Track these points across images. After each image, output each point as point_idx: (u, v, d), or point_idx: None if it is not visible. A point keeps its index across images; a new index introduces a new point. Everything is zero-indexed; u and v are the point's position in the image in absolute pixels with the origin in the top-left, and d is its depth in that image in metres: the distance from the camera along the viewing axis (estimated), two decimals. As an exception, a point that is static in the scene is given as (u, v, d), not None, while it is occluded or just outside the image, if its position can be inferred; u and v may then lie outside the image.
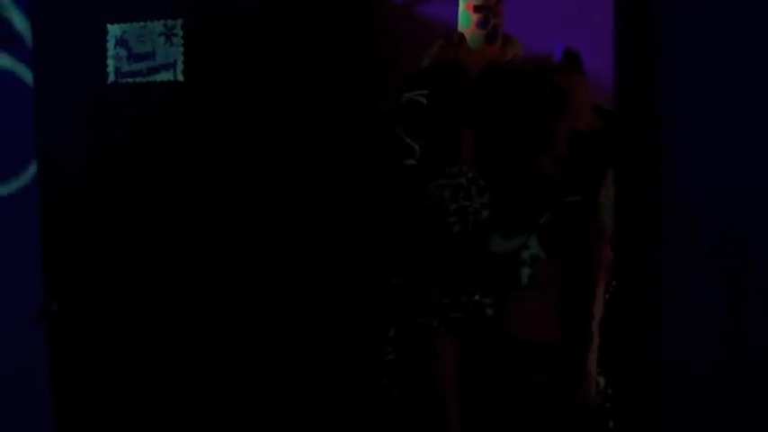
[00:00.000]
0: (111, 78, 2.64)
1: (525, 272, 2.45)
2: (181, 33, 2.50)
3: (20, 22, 3.25)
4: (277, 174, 2.62)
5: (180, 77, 2.50)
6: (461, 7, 2.64)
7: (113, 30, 2.60)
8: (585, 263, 2.49)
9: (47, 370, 3.08)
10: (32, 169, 3.19)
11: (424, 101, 2.56)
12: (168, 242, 2.82)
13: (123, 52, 2.59)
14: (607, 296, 2.54)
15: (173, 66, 2.50)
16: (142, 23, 2.58)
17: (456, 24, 2.70)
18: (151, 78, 2.56)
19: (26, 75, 3.25)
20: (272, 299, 2.69)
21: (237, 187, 2.63)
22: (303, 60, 2.56)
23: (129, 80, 2.60)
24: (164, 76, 2.51)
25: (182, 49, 2.50)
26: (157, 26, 2.52)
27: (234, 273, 2.73)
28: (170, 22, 2.55)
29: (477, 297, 2.45)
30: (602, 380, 2.57)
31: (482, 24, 2.60)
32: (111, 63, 2.62)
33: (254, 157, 2.61)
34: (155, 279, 2.87)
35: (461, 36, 2.63)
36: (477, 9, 2.59)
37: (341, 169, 2.68)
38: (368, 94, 2.95)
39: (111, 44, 2.62)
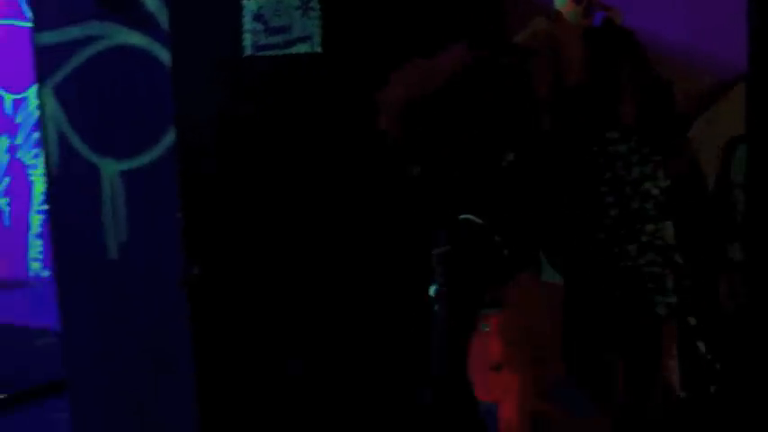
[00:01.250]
0: (248, 52, 2.76)
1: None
2: (318, 6, 2.59)
3: (152, 2, 3.42)
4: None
5: (318, 49, 2.60)
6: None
7: (249, 5, 2.71)
8: None
9: (188, 333, 3.23)
10: (168, 140, 3.36)
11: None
12: (299, 212, 2.93)
13: (260, 26, 2.70)
14: None
15: (309, 38, 2.60)
16: (278, -2, 2.69)
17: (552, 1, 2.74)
18: (288, 51, 2.66)
19: (159, 52, 3.41)
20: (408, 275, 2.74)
21: (373, 161, 2.70)
22: (438, 35, 2.60)
23: (267, 53, 2.71)
24: (301, 48, 2.61)
25: (319, 22, 2.60)
26: (294, 0, 2.62)
27: (360, 251, 2.82)
28: (307, -5, 2.64)
29: None
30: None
31: (578, 0, 2.62)
32: (247, 37, 2.73)
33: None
34: (286, 248, 2.99)
35: (558, 13, 2.66)
36: None
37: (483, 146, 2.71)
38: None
39: (247, 19, 2.73)
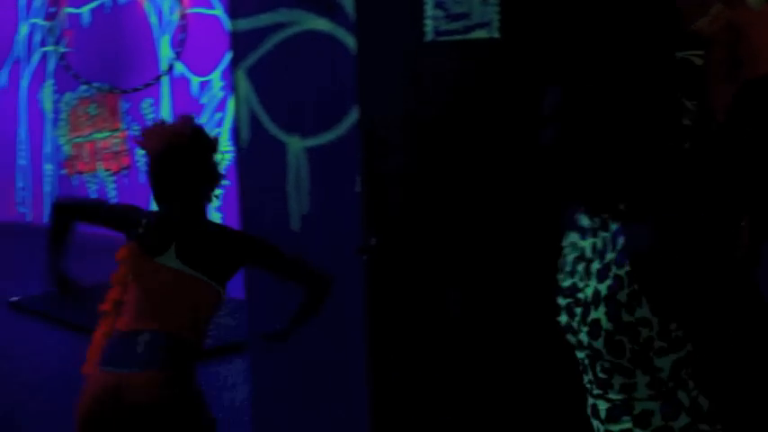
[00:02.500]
0: (429, 37, 2.93)
1: None
2: (498, -7, 2.74)
3: (338, -8, 3.65)
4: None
5: (496, 35, 2.74)
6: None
7: (432, -6, 2.89)
8: None
9: (362, 301, 3.43)
10: (351, 119, 3.57)
11: (700, 61, 2.59)
12: (474, 191, 3.04)
13: (441, 13, 2.87)
14: None
15: (488, 24, 2.74)
16: (460, -13, 2.84)
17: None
18: (467, 36, 2.81)
19: (344, 37, 3.63)
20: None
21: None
22: (617, 20, 2.65)
23: (446, 38, 2.88)
24: (479, 34, 2.76)
25: (497, 8, 2.74)
26: (474, -12, 2.78)
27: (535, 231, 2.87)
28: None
29: None
30: None
31: None
32: (428, 23, 2.91)
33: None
34: (459, 224, 3.11)
35: None
36: None
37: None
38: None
39: (428, 6, 2.90)
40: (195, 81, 12.03)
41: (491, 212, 2.97)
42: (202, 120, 11.90)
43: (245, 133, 4.10)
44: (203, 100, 11.91)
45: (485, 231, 3.00)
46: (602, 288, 1.74)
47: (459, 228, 3.06)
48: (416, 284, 3.22)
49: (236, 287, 4.55)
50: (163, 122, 3.17)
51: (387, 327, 3.32)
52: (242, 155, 4.15)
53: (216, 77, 11.57)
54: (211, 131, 10.32)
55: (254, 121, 4.03)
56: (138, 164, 13.45)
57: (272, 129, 3.92)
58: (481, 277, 3.05)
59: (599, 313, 1.74)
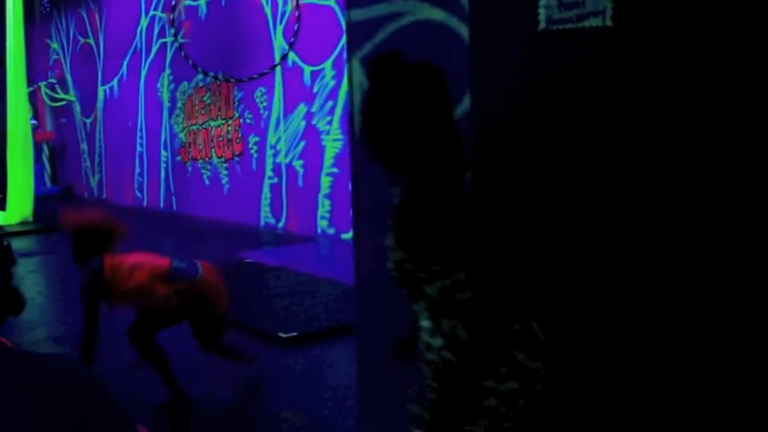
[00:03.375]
0: (542, 26, 2.98)
1: None
2: (612, -18, 2.76)
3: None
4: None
5: (609, 23, 2.76)
6: None
7: (544, -17, 2.94)
8: None
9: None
10: (463, 107, 3.62)
11: None
12: (586, 184, 3.06)
13: (554, 1, 2.91)
14: None
15: (602, 12, 2.77)
16: (572, -24, 2.88)
17: None
18: (580, 25, 2.85)
19: (457, 26, 3.69)
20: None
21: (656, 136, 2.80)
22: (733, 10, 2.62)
23: (559, 27, 2.92)
24: (593, 22, 2.79)
25: (611, -4, 2.76)
26: (587, -23, 2.81)
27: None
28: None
29: None
30: None
31: None
32: (542, 12, 2.95)
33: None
34: (574, 218, 3.13)
35: None
36: None
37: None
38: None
39: (542, -5, 2.95)
40: (307, 70, 12.27)
41: (603, 205, 2.99)
42: (313, 108, 12.14)
43: (359, 120, 4.21)
44: (315, 89, 12.13)
45: (596, 223, 3.02)
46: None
47: (570, 220, 3.09)
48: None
49: (346, 274, 4.71)
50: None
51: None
52: (356, 141, 4.26)
53: (328, 66, 11.77)
54: (323, 120, 10.55)
55: (368, 109, 4.13)
56: (251, 151, 13.79)
57: (385, 115, 4.00)
58: (588, 274, 3.08)
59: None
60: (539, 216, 3.16)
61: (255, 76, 12.74)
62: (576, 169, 3.02)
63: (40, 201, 17.57)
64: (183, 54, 14.34)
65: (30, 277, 9.94)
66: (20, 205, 16.11)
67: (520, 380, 2.48)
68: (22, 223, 15.82)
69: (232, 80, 13.56)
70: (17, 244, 13.47)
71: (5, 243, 1.71)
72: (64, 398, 1.41)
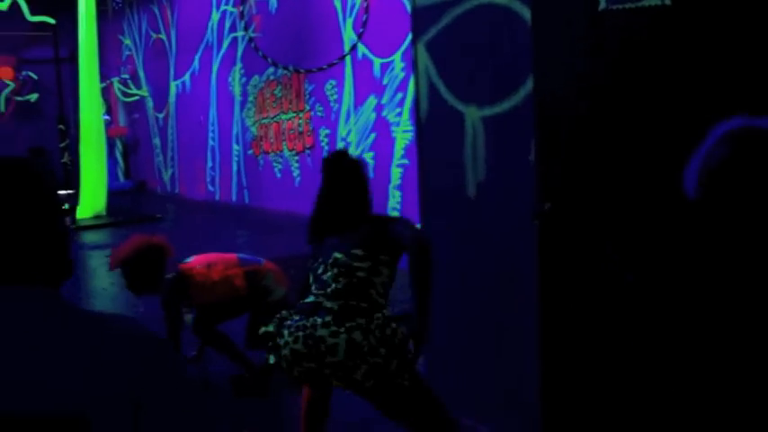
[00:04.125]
0: (602, 6, 3.00)
1: None
2: (670, -38, 2.77)
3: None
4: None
5: (667, 1, 2.78)
6: None
7: (605, -37, 2.96)
8: None
9: (535, 267, 3.53)
10: (526, 89, 3.67)
11: None
12: (645, 162, 3.06)
13: (614, -18, 2.94)
14: None
15: (661, -9, 2.79)
16: (630, -44, 2.90)
17: None
18: (640, 4, 2.87)
19: (520, 9, 3.72)
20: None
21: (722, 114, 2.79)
22: None
23: (619, 6, 2.94)
24: (652, 1, 2.81)
25: (670, -24, 2.77)
26: (647, -45, 2.83)
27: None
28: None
29: None
30: None
31: None
32: (603, -8, 2.98)
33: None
34: (636, 196, 3.13)
35: None
36: None
37: None
38: None
39: (602, -25, 2.97)
40: (377, 62, 12.33)
41: (662, 181, 2.99)
42: (383, 100, 12.21)
43: (424, 105, 4.27)
44: (385, 81, 12.19)
45: (658, 200, 3.03)
46: None
47: (632, 196, 3.10)
48: (589, 251, 3.26)
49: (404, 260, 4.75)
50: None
51: (559, 293, 3.38)
52: (421, 127, 4.32)
53: (397, 58, 11.82)
54: (392, 111, 10.60)
55: (433, 93, 4.19)
56: (322, 144, 13.92)
57: (450, 99, 4.07)
58: (652, 245, 3.08)
59: None
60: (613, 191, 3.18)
61: (325, 66, 12.87)
62: (634, 142, 3.03)
63: (114, 196, 17.91)
64: (253, 46, 14.54)
65: (102, 269, 10.11)
66: (93, 199, 16.43)
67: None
68: (96, 217, 16.15)
69: (302, 71, 13.71)
70: (90, 237, 13.74)
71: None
72: (122, 356, 1.45)
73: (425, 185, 4.33)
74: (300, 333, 3.26)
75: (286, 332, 3.31)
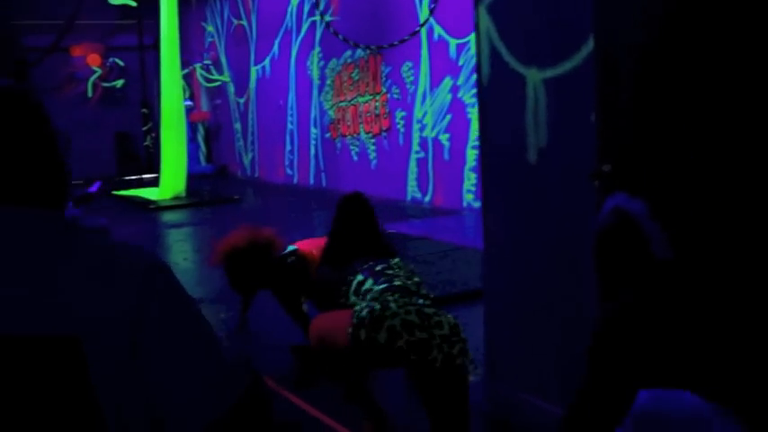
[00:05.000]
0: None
1: None
2: None
3: None
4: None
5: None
6: None
7: None
8: None
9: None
10: (587, 49, 3.52)
11: None
12: (706, 118, 2.94)
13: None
14: None
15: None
16: None
17: None
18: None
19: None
20: None
21: None
22: None
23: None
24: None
25: None
26: None
27: None
28: None
29: None
30: None
31: None
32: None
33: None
34: (694, 156, 3.01)
35: None
36: None
37: None
38: None
39: None
40: (453, 43, 12.21)
41: (722, 140, 2.86)
42: (459, 81, 12.09)
43: (485, 69, 4.15)
44: (460, 61, 12.07)
45: (715, 161, 2.89)
46: None
47: (689, 157, 2.97)
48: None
49: (477, 239, 4.69)
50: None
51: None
52: (482, 92, 4.21)
53: (473, 39, 11.68)
54: (468, 93, 10.51)
55: (495, 57, 4.07)
56: (398, 126, 13.85)
57: (512, 62, 3.94)
58: (710, 207, 2.95)
59: None
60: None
61: (396, 42, 12.88)
62: (691, 103, 2.89)
63: (196, 180, 18.20)
64: (331, 30, 14.55)
65: (177, 245, 10.62)
66: (173, 181, 16.66)
67: None
68: (175, 198, 16.37)
69: (374, 49, 13.76)
70: (168, 216, 14.09)
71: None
72: (121, 279, 1.42)
73: (486, 152, 4.22)
74: (411, 307, 3.58)
75: (394, 305, 3.59)
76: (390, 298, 3.69)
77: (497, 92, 4.08)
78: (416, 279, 3.99)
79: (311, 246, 5.24)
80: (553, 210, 3.80)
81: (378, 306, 3.59)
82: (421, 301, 3.73)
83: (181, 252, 10.09)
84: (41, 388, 1.37)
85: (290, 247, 5.30)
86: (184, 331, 1.45)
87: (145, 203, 16.07)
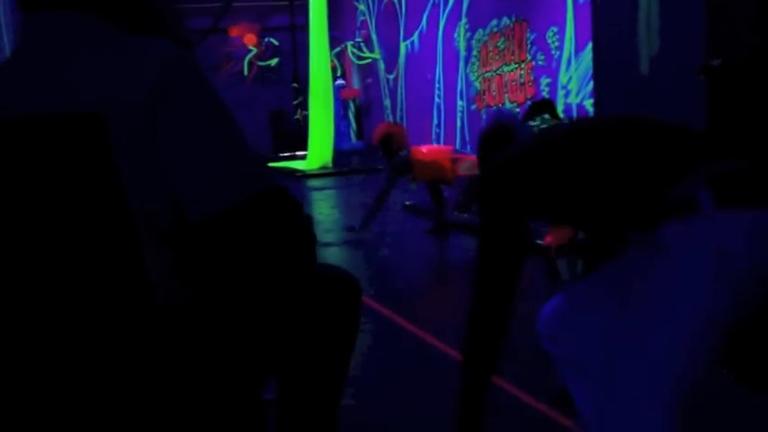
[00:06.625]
0: None
1: None
2: None
3: None
4: None
5: None
6: None
7: None
8: None
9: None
10: None
11: None
12: None
13: None
14: None
15: None
16: None
17: None
18: None
19: None
20: None
21: None
22: None
23: None
24: None
25: None
26: None
27: None
28: None
29: None
30: None
31: None
32: None
33: None
34: None
35: None
36: None
37: None
38: None
39: None
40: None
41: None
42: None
43: (599, -16, 4.06)
44: (606, 24, 11.79)
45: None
46: None
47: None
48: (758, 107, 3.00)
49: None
50: None
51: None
52: (596, 7, 4.11)
53: (619, 1, 11.39)
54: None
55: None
56: (543, 93, 13.68)
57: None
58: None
59: None
60: None
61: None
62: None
63: (346, 156, 18.72)
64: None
65: (322, 203, 12.54)
66: (320, 152, 17.23)
67: None
68: (322, 167, 16.97)
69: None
70: (315, 183, 14.89)
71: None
72: (145, 67, 1.45)
73: (599, 67, 4.12)
74: None
75: None
76: None
77: (610, 5, 3.98)
78: None
79: (423, 148, 8.37)
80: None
81: None
82: None
83: (326, 207, 12.09)
84: (70, 168, 1.42)
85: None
86: (204, 115, 1.48)
87: (293, 172, 16.65)
